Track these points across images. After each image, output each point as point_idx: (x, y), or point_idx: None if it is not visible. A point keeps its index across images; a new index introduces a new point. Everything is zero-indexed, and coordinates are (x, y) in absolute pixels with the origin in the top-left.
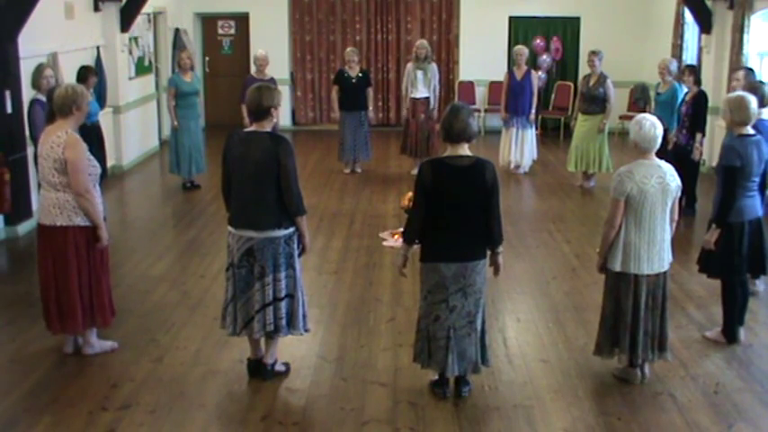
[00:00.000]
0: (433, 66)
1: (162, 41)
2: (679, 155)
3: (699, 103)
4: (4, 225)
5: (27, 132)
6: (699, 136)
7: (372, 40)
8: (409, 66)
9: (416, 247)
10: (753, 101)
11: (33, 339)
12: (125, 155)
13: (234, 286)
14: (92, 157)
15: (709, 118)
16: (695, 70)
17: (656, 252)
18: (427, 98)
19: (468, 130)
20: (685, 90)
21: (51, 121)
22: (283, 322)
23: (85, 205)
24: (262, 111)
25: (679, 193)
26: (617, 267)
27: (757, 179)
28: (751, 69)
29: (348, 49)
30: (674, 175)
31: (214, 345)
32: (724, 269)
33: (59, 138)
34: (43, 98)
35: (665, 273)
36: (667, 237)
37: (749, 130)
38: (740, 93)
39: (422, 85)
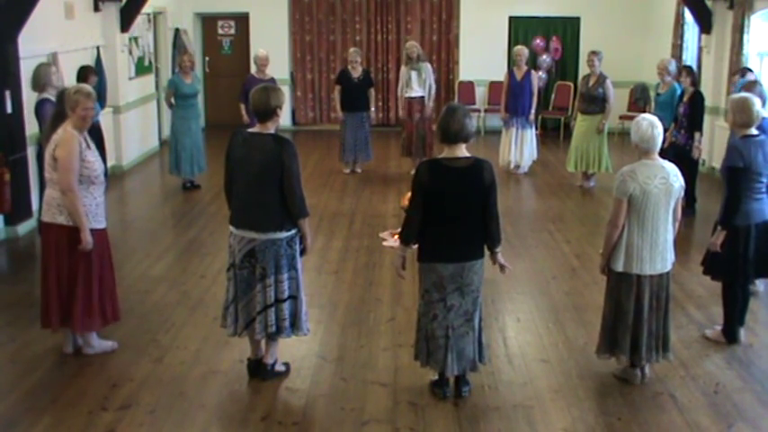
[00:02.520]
0: (427, 65)
1: (162, 41)
2: (678, 155)
3: (696, 103)
4: (4, 225)
5: (27, 132)
6: (697, 135)
7: (372, 40)
8: (403, 68)
9: (414, 247)
10: (756, 102)
11: (33, 339)
12: (125, 155)
13: (235, 287)
14: (91, 159)
15: (707, 118)
16: (692, 71)
17: (658, 252)
18: (422, 97)
19: (464, 130)
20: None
21: (56, 119)
22: (286, 323)
23: (68, 204)
24: (269, 111)
25: (682, 193)
26: (619, 268)
27: (765, 180)
28: (749, 69)
29: (351, 49)
30: (678, 176)
31: (214, 345)
32: (729, 272)
33: (57, 135)
34: (52, 97)
35: (667, 273)
36: (670, 237)
37: (753, 130)
38: (744, 94)
39: (416, 85)
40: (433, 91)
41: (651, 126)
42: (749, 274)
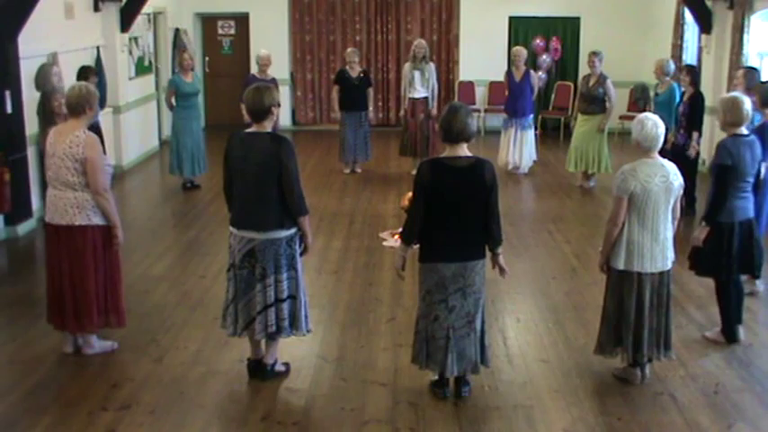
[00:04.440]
0: (431, 65)
1: (162, 41)
2: (677, 155)
3: (696, 103)
4: (4, 225)
5: (27, 132)
6: (695, 135)
7: (372, 40)
8: (406, 66)
9: (415, 248)
10: (746, 101)
11: (33, 339)
12: (125, 155)
13: (235, 287)
14: (107, 157)
15: (707, 118)
16: (693, 71)
17: (659, 250)
18: (426, 98)
19: (466, 130)
20: (683, 90)
21: (48, 120)
22: (285, 323)
23: (104, 204)
24: (263, 110)
25: (681, 192)
26: (620, 266)
27: (751, 180)
28: (753, 69)
29: (349, 49)
30: (677, 174)
31: (214, 345)
32: (711, 268)
33: (78, 137)
34: None
35: (668, 271)
36: (670, 235)
37: (743, 130)
38: (733, 93)
39: (420, 85)
40: (436, 91)
41: (656, 126)
42: (733, 269)
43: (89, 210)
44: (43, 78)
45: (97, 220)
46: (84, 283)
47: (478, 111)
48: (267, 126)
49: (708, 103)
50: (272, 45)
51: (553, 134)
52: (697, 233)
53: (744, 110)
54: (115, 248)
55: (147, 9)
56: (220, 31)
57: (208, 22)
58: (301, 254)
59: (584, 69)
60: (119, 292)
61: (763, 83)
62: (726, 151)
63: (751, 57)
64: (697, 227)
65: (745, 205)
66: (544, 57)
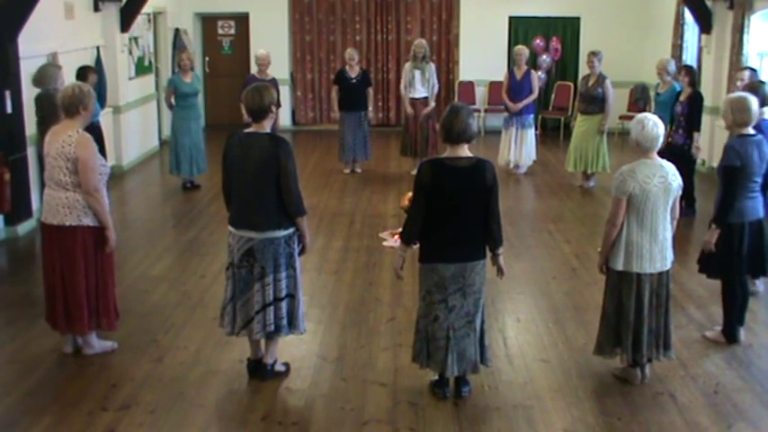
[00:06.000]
0: (431, 65)
1: (162, 41)
2: (676, 155)
3: (694, 103)
4: (4, 225)
5: (27, 132)
6: (696, 135)
7: (372, 40)
8: (407, 66)
9: (415, 248)
10: (754, 102)
11: (33, 339)
12: (125, 155)
13: (234, 286)
14: (101, 157)
15: (707, 118)
16: (691, 71)
17: (658, 251)
18: (426, 98)
19: (468, 130)
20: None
21: (47, 120)
22: (284, 322)
23: (94, 204)
24: (264, 109)
25: (680, 192)
26: (619, 266)
27: (759, 179)
28: (754, 69)
29: (348, 49)
30: (676, 175)
31: (214, 345)
32: (723, 270)
33: (71, 137)
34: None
35: (667, 272)
36: (669, 235)
37: (749, 130)
38: (742, 94)
39: (420, 85)
40: (436, 90)
41: (656, 126)
42: (744, 271)
43: (80, 210)
44: (49, 78)
45: (88, 221)
46: (74, 284)
47: (478, 111)
48: (266, 126)
49: (708, 103)
50: (272, 45)
51: (553, 134)
52: (708, 237)
53: (752, 110)
54: (108, 251)
55: (147, 9)
56: (220, 31)
57: (208, 22)
58: (299, 254)
59: (583, 69)
60: (109, 295)
61: (761, 82)
62: (734, 152)
63: (751, 57)
64: (707, 231)
65: (755, 205)
66: (544, 57)
